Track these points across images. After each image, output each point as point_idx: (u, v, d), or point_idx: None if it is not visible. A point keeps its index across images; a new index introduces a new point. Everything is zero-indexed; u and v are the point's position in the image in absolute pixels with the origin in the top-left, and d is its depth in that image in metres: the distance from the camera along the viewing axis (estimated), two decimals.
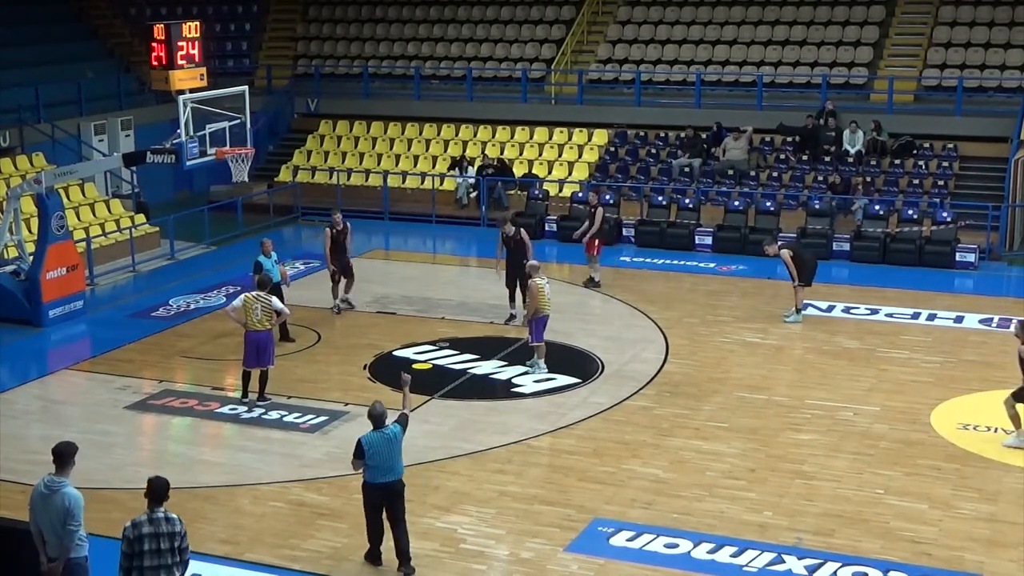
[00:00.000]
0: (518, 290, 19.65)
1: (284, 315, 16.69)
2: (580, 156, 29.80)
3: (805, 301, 21.15)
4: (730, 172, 27.75)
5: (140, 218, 26.15)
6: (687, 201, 26.48)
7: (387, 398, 16.56)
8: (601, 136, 30.10)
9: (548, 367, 17.74)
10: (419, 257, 26.05)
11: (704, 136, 28.69)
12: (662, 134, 29.66)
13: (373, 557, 11.95)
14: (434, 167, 30.29)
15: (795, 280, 20.08)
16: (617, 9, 32.90)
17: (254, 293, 16.29)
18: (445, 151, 30.71)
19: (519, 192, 28.55)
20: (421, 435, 15.36)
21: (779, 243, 20.87)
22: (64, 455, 9.89)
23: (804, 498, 13.51)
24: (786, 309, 20.36)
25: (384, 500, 11.66)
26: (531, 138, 30.57)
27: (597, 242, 22.41)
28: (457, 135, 31.07)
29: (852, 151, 27.48)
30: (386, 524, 11.80)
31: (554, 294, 21.84)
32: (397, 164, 30.70)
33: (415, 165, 30.61)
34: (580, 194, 27.29)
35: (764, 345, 19.07)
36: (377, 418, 11.56)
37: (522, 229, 20.25)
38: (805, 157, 27.94)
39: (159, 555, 9.45)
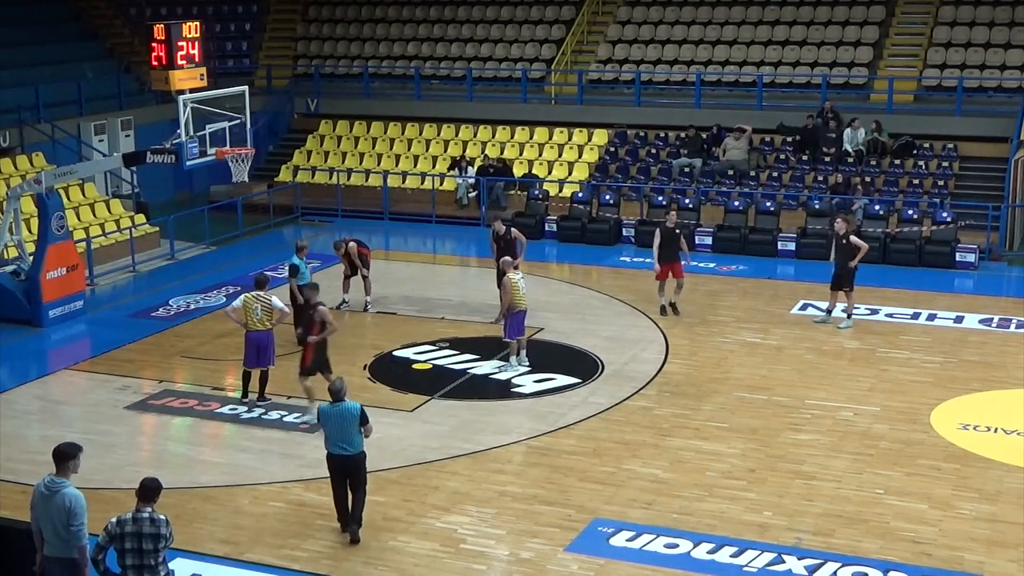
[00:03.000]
0: None
1: (285, 314, 16.65)
2: (580, 156, 29.80)
3: (804, 302, 21.20)
4: (730, 172, 27.76)
5: (140, 218, 26.15)
6: (687, 201, 26.49)
7: (387, 398, 16.68)
8: (601, 136, 30.10)
9: (534, 364, 17.81)
10: (419, 257, 26.04)
11: (704, 136, 28.70)
12: (662, 134, 29.66)
13: (342, 524, 12.59)
14: (434, 167, 30.29)
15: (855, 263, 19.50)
16: (617, 9, 32.91)
17: (253, 293, 16.27)
18: (445, 151, 30.72)
19: (519, 192, 28.55)
20: (421, 435, 15.40)
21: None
22: (64, 456, 9.79)
23: (804, 498, 13.51)
24: (837, 320, 19.99)
25: (343, 471, 12.38)
26: (531, 138, 30.57)
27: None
28: (457, 135, 31.07)
29: (852, 149, 27.46)
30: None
31: (555, 294, 21.97)
32: (397, 164, 30.70)
33: (415, 165, 30.61)
34: (580, 194, 27.30)
35: (764, 345, 19.07)
36: (334, 393, 12.31)
37: (513, 228, 20.26)
38: (805, 157, 27.94)
39: (141, 555, 9.42)
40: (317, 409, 12.73)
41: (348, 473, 12.39)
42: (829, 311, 20.03)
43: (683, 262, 20.52)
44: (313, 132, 32.31)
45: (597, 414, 16.13)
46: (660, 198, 26.67)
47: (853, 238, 19.70)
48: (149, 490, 9.56)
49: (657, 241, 20.36)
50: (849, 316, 19.84)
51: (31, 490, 10.06)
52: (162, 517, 9.51)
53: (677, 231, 20.43)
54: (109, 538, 9.45)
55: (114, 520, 9.52)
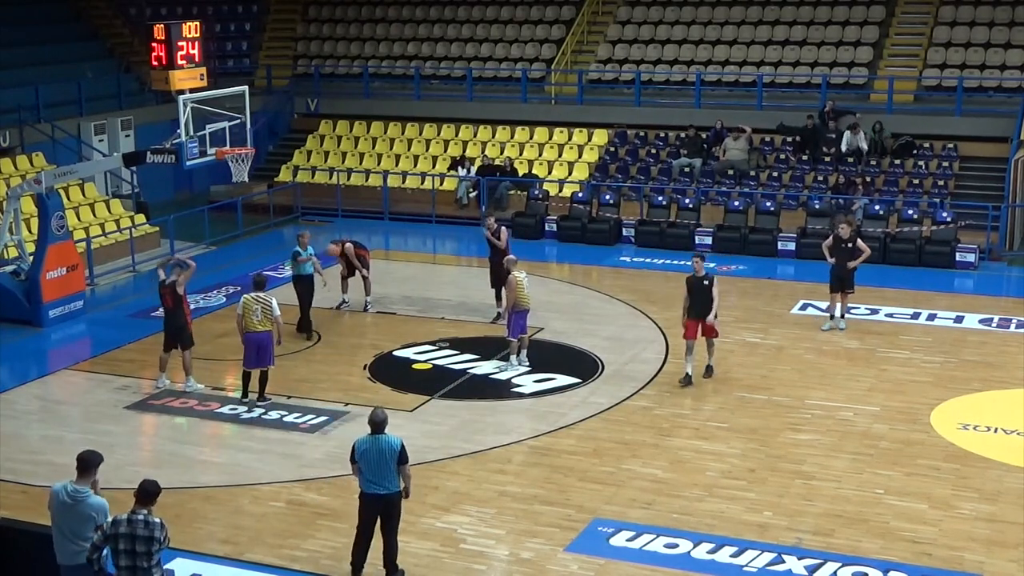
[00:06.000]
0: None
1: (279, 323, 16.33)
2: (580, 156, 29.79)
3: (804, 302, 21.19)
4: (730, 172, 27.75)
5: (140, 218, 26.15)
6: (687, 201, 26.48)
7: (387, 398, 16.68)
8: (601, 136, 30.09)
9: (534, 364, 17.79)
10: (419, 257, 26.04)
11: (704, 136, 28.71)
12: (662, 134, 29.65)
13: (353, 570, 11.72)
14: (434, 167, 30.29)
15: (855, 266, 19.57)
16: (617, 9, 32.90)
17: (253, 295, 16.25)
18: (445, 151, 30.71)
19: (519, 192, 28.56)
20: (421, 435, 15.38)
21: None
22: (88, 463, 9.76)
23: (804, 498, 13.50)
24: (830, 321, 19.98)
25: (376, 513, 11.37)
26: (531, 138, 30.56)
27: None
28: (457, 135, 31.07)
29: (852, 150, 27.41)
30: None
31: (555, 294, 21.97)
32: (397, 164, 30.70)
33: (415, 165, 30.61)
34: (580, 194, 27.30)
35: (764, 345, 19.06)
36: (374, 424, 11.30)
37: (503, 228, 20.25)
38: (805, 157, 27.94)
39: (133, 556, 9.37)
40: (353, 444, 11.43)
41: (381, 515, 11.34)
42: (832, 315, 19.95)
43: (712, 315, 17.00)
44: (313, 132, 32.31)
45: (597, 414, 16.12)
46: (660, 198, 26.67)
47: (859, 241, 19.71)
48: (147, 492, 9.54)
49: (686, 294, 17.23)
50: (833, 317, 19.86)
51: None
52: (157, 520, 9.46)
53: (706, 281, 17.12)
54: (104, 537, 9.44)
55: (110, 520, 9.52)
